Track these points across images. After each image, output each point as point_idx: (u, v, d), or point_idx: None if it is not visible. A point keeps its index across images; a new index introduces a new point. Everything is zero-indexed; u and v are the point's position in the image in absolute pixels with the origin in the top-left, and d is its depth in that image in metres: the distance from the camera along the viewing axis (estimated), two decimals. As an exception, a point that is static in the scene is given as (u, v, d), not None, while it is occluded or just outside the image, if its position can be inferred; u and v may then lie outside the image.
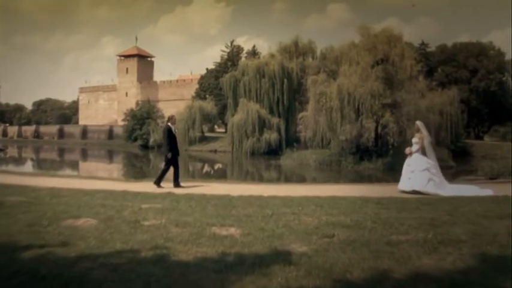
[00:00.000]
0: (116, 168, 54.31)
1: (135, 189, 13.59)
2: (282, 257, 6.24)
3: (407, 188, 14.11)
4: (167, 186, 15.31)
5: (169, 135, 16.05)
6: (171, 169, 15.99)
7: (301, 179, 36.70)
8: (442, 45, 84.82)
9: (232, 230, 7.90)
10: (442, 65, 79.15)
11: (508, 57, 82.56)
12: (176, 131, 17.10)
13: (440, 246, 6.86)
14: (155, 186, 15.21)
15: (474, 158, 61.88)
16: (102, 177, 22.03)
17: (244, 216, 9.03)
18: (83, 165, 58.80)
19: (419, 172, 14.15)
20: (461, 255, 6.45)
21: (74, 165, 56.76)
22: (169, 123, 16.45)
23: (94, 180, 17.69)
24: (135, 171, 46.44)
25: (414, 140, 14.87)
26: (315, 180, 36.50)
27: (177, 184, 15.57)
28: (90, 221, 8.55)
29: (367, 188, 16.10)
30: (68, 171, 42.12)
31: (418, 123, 15.37)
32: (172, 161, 15.96)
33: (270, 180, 36.78)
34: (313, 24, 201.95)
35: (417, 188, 13.92)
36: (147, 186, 15.00)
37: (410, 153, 14.68)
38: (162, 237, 7.33)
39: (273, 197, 11.94)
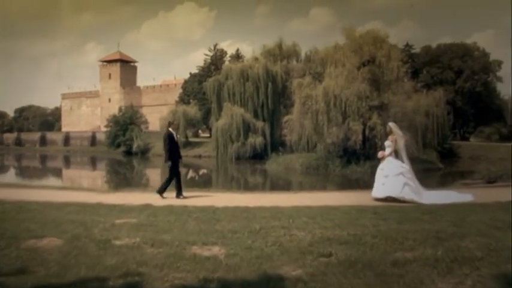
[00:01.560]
0: (96, 175, 53.07)
1: (110, 201, 12.54)
2: (273, 284, 5.43)
3: (382, 195, 13.14)
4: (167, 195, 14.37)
5: (171, 141, 14.98)
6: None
7: (289, 185, 35.90)
8: (427, 47, 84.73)
9: (215, 250, 6.98)
10: (427, 66, 79.04)
11: (492, 57, 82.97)
12: (178, 136, 16.04)
13: (454, 266, 6.02)
14: (178, 199, 14.02)
15: (461, 159, 61.94)
16: (77, 187, 20.71)
17: (229, 232, 8.09)
18: (62, 173, 57.25)
19: (393, 177, 13.19)
20: (481, 277, 5.63)
21: (53, 174, 55.23)
22: (170, 129, 15.32)
23: (67, 192, 16.38)
24: (119, 179, 45.36)
25: (387, 143, 13.93)
26: (301, 186, 35.76)
27: (162, 191, 14.56)
28: (54, 241, 7.54)
29: (359, 195, 15.17)
30: (44, 181, 40.64)
31: (391, 124, 14.38)
32: (173, 169, 14.91)
33: (255, 186, 36.06)
34: (297, 28, 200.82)
35: (392, 194, 12.94)
36: (123, 198, 13.90)
37: (383, 158, 13.76)
38: (134, 261, 6.39)
39: (260, 208, 10.99)
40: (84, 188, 20.14)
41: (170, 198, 13.85)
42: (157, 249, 6.99)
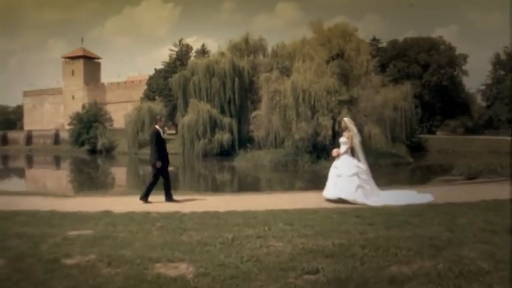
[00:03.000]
0: (59, 175, 51.54)
1: (66, 207, 11.27)
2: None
3: (333, 196, 12.21)
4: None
5: (158, 139, 13.61)
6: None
7: (258, 182, 35.20)
8: (393, 41, 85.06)
9: (183, 268, 6.01)
10: (394, 60, 79.12)
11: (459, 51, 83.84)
12: (165, 135, 14.70)
13: (462, 283, 5.23)
14: (141, 202, 12.75)
15: (429, 153, 62.46)
16: (32, 192, 19.12)
17: (198, 245, 7.08)
18: (23, 174, 55.33)
19: (347, 177, 12.25)
20: (496, 297, 4.77)
21: (14, 174, 53.43)
22: (156, 126, 13.97)
23: (21, 197, 14.71)
24: (83, 178, 44.02)
25: (342, 139, 12.98)
26: (271, 182, 35.16)
27: (169, 198, 13.22)
28: (-7, 262, 6.42)
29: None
30: (5, 183, 38.92)
31: (346, 119, 13.48)
32: (163, 171, 13.53)
33: (224, 183, 35.30)
34: (262, 24, 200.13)
35: (343, 196, 11.98)
36: (81, 203, 12.68)
37: (338, 156, 12.83)
38: (86, 285, 5.39)
39: (231, 213, 9.98)
40: (39, 192, 18.55)
41: (133, 203, 12.70)
42: (114, 269, 5.97)
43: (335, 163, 12.90)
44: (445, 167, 37.56)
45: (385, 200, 11.77)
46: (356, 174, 12.32)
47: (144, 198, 13.04)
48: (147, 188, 13.33)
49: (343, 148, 12.81)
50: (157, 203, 12.49)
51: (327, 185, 12.74)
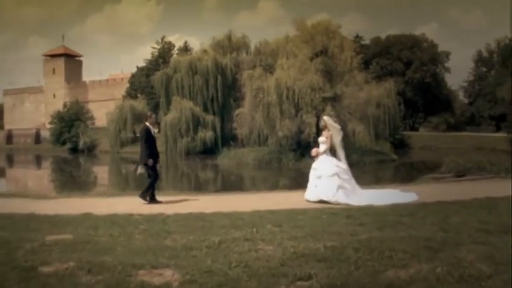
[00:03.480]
0: (40, 175, 50.81)
1: (45, 210, 10.79)
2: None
3: (314, 198, 11.92)
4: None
5: (148, 137, 13.18)
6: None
7: (241, 180, 34.90)
8: (376, 38, 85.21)
9: (168, 275, 5.63)
10: (377, 57, 79.22)
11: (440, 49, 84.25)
12: (155, 132, 14.26)
13: (463, 288, 4.89)
14: (147, 203, 12.37)
15: (412, 150, 62.71)
16: (10, 193, 18.43)
17: (183, 249, 6.72)
18: (1, 175, 54.32)
19: (327, 178, 11.98)
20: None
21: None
22: (147, 123, 13.54)
23: None
24: (64, 177, 43.48)
25: (321, 139, 12.68)
26: (254, 181, 34.92)
27: (152, 199, 12.82)
28: (-35, 272, 6.00)
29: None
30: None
31: (326, 118, 13.15)
32: (153, 169, 13.13)
33: (207, 181, 35.00)
34: (245, 22, 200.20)
35: (325, 198, 11.72)
36: (61, 205, 12.24)
37: (317, 156, 12.57)
38: (65, 296, 5.00)
39: (217, 215, 9.65)
40: (19, 193, 17.98)
41: (115, 204, 12.33)
42: (95, 277, 5.58)
43: (314, 164, 12.63)
44: (429, 163, 37.65)
45: (367, 200, 11.51)
46: (336, 174, 12.07)
47: (143, 195, 12.72)
48: (148, 186, 13.00)
49: (322, 148, 12.54)
50: (140, 204, 12.11)
51: (308, 186, 12.46)
